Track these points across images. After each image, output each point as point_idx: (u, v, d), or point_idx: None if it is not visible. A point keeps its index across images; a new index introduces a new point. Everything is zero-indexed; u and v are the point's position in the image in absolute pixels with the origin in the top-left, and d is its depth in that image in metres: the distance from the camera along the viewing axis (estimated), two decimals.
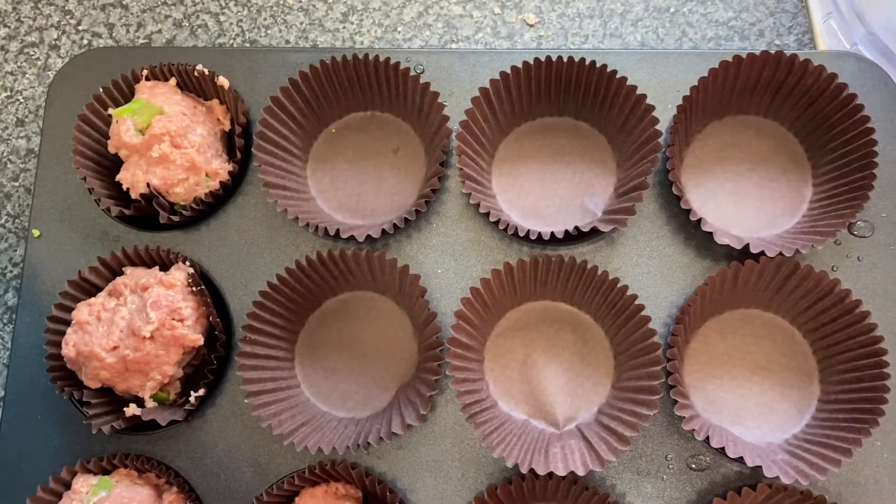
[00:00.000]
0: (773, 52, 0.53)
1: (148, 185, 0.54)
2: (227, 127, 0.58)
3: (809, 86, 0.54)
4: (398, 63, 0.55)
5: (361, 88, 0.58)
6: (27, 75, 0.65)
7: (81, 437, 0.53)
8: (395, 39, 0.63)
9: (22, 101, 0.64)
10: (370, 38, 0.64)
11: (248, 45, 0.63)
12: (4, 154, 0.63)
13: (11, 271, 0.61)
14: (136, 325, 0.51)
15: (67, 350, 0.52)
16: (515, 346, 0.55)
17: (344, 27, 0.64)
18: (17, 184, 0.63)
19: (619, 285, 0.51)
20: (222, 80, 0.56)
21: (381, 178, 0.59)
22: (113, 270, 0.55)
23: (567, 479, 0.50)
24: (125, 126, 0.54)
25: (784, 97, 0.56)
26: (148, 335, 0.50)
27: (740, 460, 0.50)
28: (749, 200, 0.57)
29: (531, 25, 0.63)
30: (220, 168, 0.56)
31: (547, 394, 0.54)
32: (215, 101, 0.58)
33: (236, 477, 0.52)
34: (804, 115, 0.56)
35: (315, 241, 0.56)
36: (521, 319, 0.56)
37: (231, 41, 0.64)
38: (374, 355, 0.56)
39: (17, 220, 0.62)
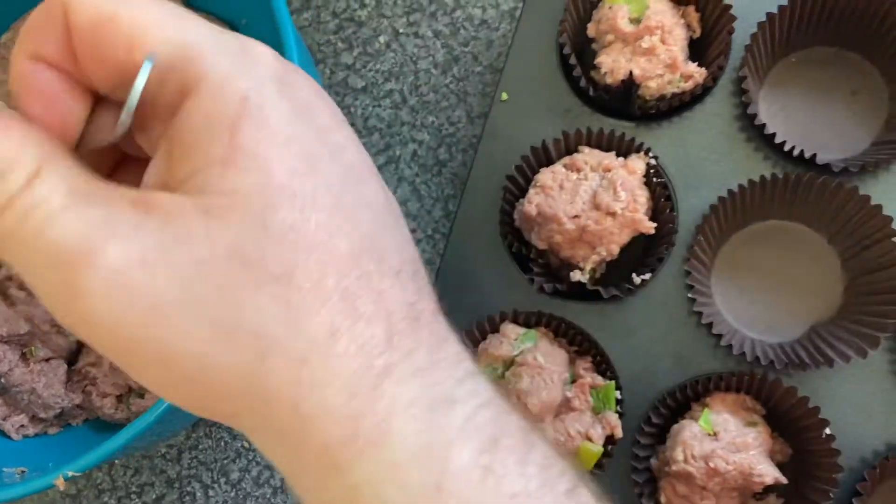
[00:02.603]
0: None
1: (630, 73, 0.56)
2: (698, 34, 0.59)
3: None
4: None
5: (840, 22, 0.57)
6: None
7: (508, 289, 0.58)
8: None
9: None
10: None
11: None
12: (460, 20, 0.68)
13: (448, 129, 0.66)
14: (603, 200, 0.54)
15: (530, 208, 0.55)
16: None
17: None
18: (466, 49, 0.67)
19: None
20: None
21: (834, 117, 0.58)
22: (568, 146, 0.59)
23: None
24: (622, 12, 0.57)
25: None
26: (618, 211, 0.53)
27: None
28: None
29: None
30: (696, 72, 0.57)
31: None
32: (691, 8, 0.59)
33: (656, 363, 0.55)
34: None
35: (768, 161, 0.57)
36: None
37: None
38: (790, 287, 0.56)
39: (460, 83, 0.67)
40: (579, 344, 0.57)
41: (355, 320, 0.26)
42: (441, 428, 0.26)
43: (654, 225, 0.55)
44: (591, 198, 0.55)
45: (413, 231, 0.65)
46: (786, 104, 0.59)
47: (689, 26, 0.59)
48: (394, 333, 0.26)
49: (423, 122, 0.67)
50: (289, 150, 0.26)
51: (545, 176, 0.56)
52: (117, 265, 0.24)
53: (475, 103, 0.66)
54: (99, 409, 0.57)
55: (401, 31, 0.69)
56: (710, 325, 0.53)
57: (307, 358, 0.25)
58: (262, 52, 0.27)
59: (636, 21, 0.57)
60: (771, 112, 0.59)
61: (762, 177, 0.54)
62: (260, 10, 0.47)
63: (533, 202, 0.56)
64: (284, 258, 0.25)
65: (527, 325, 0.57)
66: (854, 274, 0.55)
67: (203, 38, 0.26)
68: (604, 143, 0.58)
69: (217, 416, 0.27)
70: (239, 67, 0.26)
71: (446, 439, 0.25)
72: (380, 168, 0.66)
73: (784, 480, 0.50)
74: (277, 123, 0.26)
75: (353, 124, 0.66)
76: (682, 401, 0.54)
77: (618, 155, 0.57)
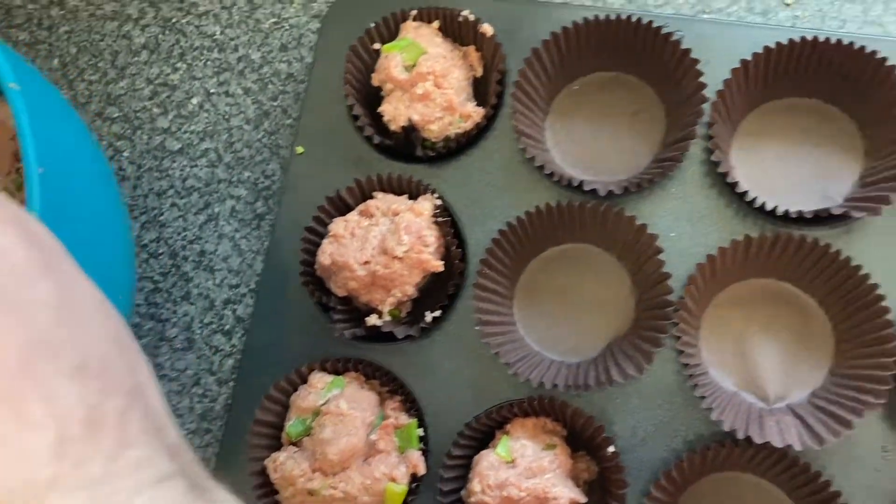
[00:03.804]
0: None
1: (409, 119, 0.58)
2: (479, 74, 0.61)
3: None
4: (661, 27, 0.56)
5: (614, 49, 0.59)
6: (294, 4, 0.70)
7: (319, 338, 0.59)
8: (645, 4, 0.65)
9: (287, 28, 0.70)
10: (621, 1, 0.65)
11: None
12: (267, 75, 0.69)
13: (263, 182, 0.67)
14: (388, 244, 0.55)
15: (324, 258, 0.57)
16: (734, 318, 0.56)
17: None
18: (275, 104, 0.69)
19: (860, 273, 0.51)
20: (486, 28, 0.59)
21: (617, 139, 0.61)
22: (364, 193, 0.60)
23: (777, 454, 0.51)
24: (395, 61, 0.59)
25: None
26: (400, 255, 0.55)
27: None
28: None
29: (788, 4, 0.62)
30: (474, 111, 0.59)
31: (760, 369, 0.55)
32: (471, 48, 0.61)
33: (457, 396, 0.56)
34: None
35: (549, 191, 0.59)
36: (743, 293, 0.57)
37: None
38: (589, 307, 0.58)
39: (272, 137, 0.68)
40: (391, 385, 0.58)
41: (21, 428, 0.26)
42: None
43: (442, 263, 0.56)
44: (380, 243, 0.56)
45: (236, 287, 0.66)
46: (572, 130, 0.62)
47: (472, 66, 0.61)
48: (66, 440, 0.26)
49: (240, 177, 0.68)
50: None
51: (337, 225, 0.58)
52: None
53: (287, 155, 0.67)
54: None
55: (212, 91, 0.70)
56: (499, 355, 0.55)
57: None
58: None
59: (411, 68, 0.59)
60: (557, 139, 0.62)
61: (537, 207, 0.56)
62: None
63: (326, 252, 0.57)
64: None
65: (337, 371, 0.58)
66: (641, 290, 0.57)
67: None
68: (395, 187, 0.60)
69: None
70: None
71: None
72: (200, 227, 0.67)
73: (581, 499, 0.52)
74: None
75: (172, 186, 0.67)
76: (486, 429, 0.56)
77: (410, 197, 0.59)
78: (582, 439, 0.55)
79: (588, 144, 0.61)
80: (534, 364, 0.56)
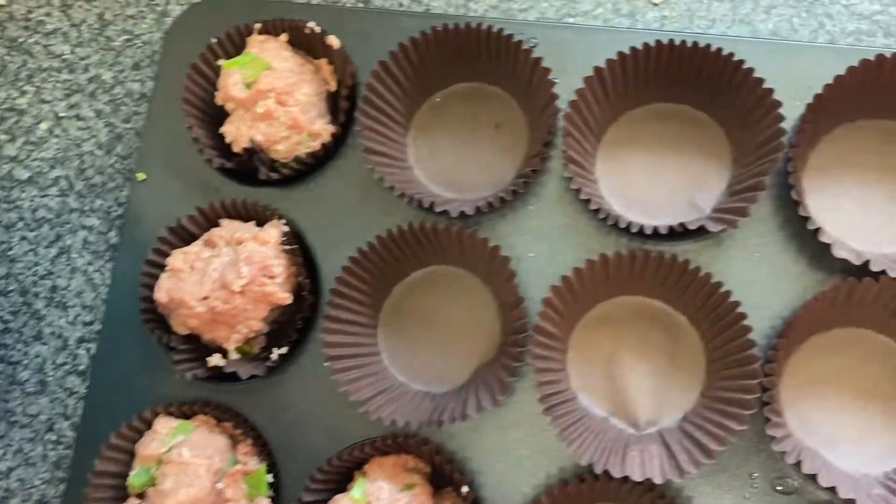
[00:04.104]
0: None
1: (251, 140, 0.54)
2: (333, 88, 0.58)
3: None
4: (511, 35, 0.53)
5: (471, 59, 0.56)
6: (147, 20, 0.66)
7: (166, 380, 0.55)
8: (510, 9, 0.61)
9: (140, 45, 0.66)
10: (485, 7, 0.62)
11: (360, 5, 0.63)
12: (119, 96, 0.65)
13: (116, 211, 0.63)
14: (227, 278, 0.51)
15: (160, 295, 0.53)
16: (602, 340, 0.53)
17: None
18: (128, 126, 0.64)
19: (721, 290, 0.49)
20: (332, 40, 0.56)
21: (481, 153, 0.57)
22: (210, 221, 0.56)
23: (643, 485, 0.48)
24: (233, 79, 0.55)
25: None
26: (238, 290, 0.51)
27: (832, 489, 0.47)
28: (875, 212, 0.52)
29: (656, 4, 0.59)
30: (323, 129, 0.55)
31: (630, 393, 0.52)
32: (324, 61, 0.58)
33: (310, 437, 0.53)
34: None
35: (408, 212, 0.55)
36: (611, 313, 0.54)
37: (345, 0, 0.63)
38: (455, 331, 0.55)
39: (125, 161, 0.64)
40: (244, 427, 0.54)
41: None
42: None
43: (290, 295, 0.53)
44: (220, 276, 0.52)
45: (90, 324, 0.62)
46: (435, 145, 0.58)
47: (325, 81, 0.58)
48: None
49: (92, 206, 0.63)
50: None
51: (175, 258, 0.54)
52: None
53: None
54: None
55: (62, 115, 0.65)
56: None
57: None
58: None
59: (252, 85, 0.55)
60: (420, 156, 0.58)
61: (389, 231, 0.53)
62: None
63: (163, 288, 0.53)
64: None
65: (185, 415, 0.54)
66: (504, 314, 0.54)
67: None
68: (242, 213, 0.56)
69: None
70: None
71: None
72: (52, 260, 0.63)
73: None
74: None
75: (21, 218, 0.63)
76: (344, 471, 0.52)
77: (257, 224, 0.55)
78: (444, 476, 0.51)
79: (451, 160, 0.58)
80: (394, 397, 0.52)
